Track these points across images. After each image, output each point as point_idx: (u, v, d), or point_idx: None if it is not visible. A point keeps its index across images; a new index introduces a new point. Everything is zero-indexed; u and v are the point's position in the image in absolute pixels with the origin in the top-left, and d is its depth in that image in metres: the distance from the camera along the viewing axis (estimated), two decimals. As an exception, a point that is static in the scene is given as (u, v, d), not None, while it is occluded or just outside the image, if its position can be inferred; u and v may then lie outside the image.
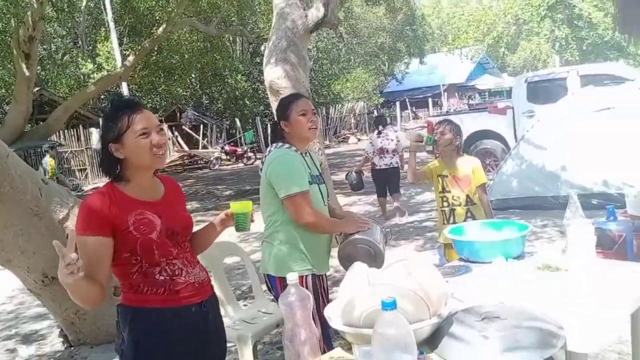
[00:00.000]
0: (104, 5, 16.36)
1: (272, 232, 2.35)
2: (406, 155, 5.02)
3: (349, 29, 24.22)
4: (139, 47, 14.02)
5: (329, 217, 2.45)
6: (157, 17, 16.01)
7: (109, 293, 1.68)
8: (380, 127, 7.22)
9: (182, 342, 1.71)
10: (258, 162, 16.51)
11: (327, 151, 11.97)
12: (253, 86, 23.49)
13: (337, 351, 1.51)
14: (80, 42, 20.24)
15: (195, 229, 1.89)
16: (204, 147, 21.35)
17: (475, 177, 3.23)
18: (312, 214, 2.26)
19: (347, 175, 7.68)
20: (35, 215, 3.42)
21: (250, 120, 23.25)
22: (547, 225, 5.55)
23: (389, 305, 1.15)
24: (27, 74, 10.65)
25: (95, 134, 17.31)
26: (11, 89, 14.52)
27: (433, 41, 36.62)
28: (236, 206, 1.89)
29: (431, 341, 1.38)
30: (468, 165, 3.26)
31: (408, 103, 31.58)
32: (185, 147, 20.73)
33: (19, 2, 10.44)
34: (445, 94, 33.22)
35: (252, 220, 1.91)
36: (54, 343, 4.19)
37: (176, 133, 20.88)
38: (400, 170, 7.15)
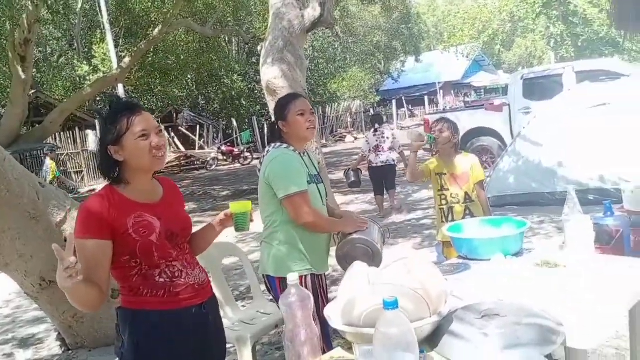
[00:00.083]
0: (100, 7, 16.33)
1: (271, 233, 2.35)
2: (406, 153, 5.03)
3: (345, 28, 24.23)
4: (135, 49, 14.00)
5: (327, 217, 2.45)
6: (153, 19, 15.96)
7: (106, 296, 1.68)
8: (377, 125, 7.27)
9: (182, 344, 1.70)
10: (255, 162, 16.55)
11: (324, 150, 11.95)
12: (249, 86, 23.48)
13: (338, 351, 1.50)
14: (76, 44, 20.16)
15: (193, 230, 1.88)
16: (201, 147, 21.29)
17: (474, 174, 3.24)
18: (311, 214, 2.26)
19: (345, 172, 7.70)
20: (32, 218, 3.41)
21: (246, 121, 23.21)
22: (544, 222, 5.57)
23: (391, 305, 1.15)
24: (23, 76, 10.63)
25: (91, 136, 17.23)
26: (7, 91, 14.45)
27: (429, 39, 36.66)
28: (235, 206, 1.89)
29: (432, 340, 1.39)
30: (466, 162, 3.28)
31: (404, 101, 31.65)
32: (182, 148, 20.67)
33: (14, 5, 10.40)
34: (441, 91, 33.34)
35: (252, 220, 1.91)
36: (52, 347, 4.17)
37: (172, 134, 20.81)
38: (397, 169, 7.18)
